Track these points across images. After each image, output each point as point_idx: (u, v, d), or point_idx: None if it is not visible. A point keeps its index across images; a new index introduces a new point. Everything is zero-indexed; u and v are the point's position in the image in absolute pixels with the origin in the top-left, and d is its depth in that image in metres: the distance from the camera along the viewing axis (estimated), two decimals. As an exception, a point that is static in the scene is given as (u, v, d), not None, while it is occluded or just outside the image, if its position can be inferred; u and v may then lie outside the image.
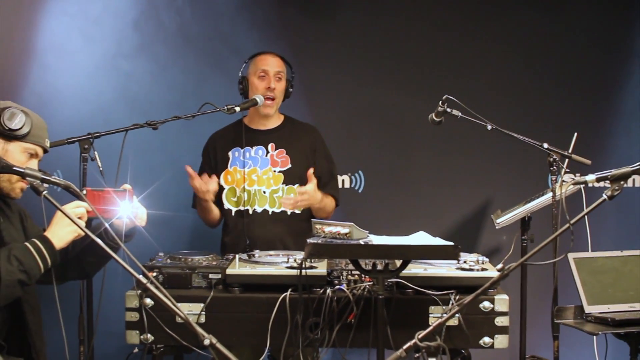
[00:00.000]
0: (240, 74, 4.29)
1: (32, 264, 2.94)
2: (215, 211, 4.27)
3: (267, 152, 4.28)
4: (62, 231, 3.03)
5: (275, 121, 4.35)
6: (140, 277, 2.75)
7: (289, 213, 4.23)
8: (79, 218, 3.02)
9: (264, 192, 4.24)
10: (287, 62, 4.33)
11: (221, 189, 4.27)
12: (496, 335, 3.34)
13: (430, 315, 3.33)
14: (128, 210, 3.19)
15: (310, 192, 4.05)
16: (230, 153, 4.29)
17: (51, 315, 4.74)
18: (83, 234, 2.96)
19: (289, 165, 4.27)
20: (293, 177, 4.25)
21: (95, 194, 3.15)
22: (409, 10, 5.03)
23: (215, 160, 4.32)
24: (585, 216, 3.02)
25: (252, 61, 4.29)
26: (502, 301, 3.35)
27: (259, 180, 4.25)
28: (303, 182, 4.19)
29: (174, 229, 4.84)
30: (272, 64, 4.26)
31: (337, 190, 4.40)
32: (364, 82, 5.01)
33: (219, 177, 4.27)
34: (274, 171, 4.26)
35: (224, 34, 4.94)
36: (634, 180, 5.09)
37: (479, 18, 5.02)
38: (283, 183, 4.24)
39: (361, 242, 3.25)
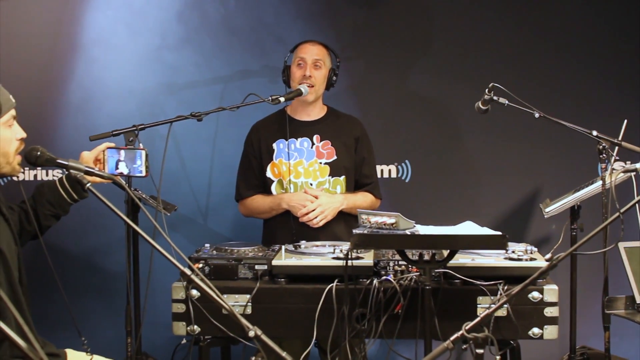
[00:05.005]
0: (284, 64, 4.27)
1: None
2: None
3: (313, 144, 4.24)
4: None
5: (319, 112, 4.31)
6: (185, 269, 2.75)
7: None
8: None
9: (311, 184, 4.20)
10: (330, 50, 4.28)
11: (270, 181, 4.25)
12: (545, 326, 3.29)
13: (478, 305, 3.30)
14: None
15: (322, 203, 4.06)
16: (274, 145, 4.25)
17: (98, 306, 4.80)
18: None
19: (335, 157, 4.22)
20: (339, 169, 4.21)
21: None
22: (454, -2, 4.99)
23: (259, 151, 4.26)
24: (636, 205, 2.95)
25: (294, 51, 4.27)
26: (551, 291, 3.30)
27: (306, 172, 4.21)
28: (348, 173, 4.19)
29: (219, 220, 4.85)
30: (310, 52, 4.20)
31: (377, 186, 4.34)
32: (410, 71, 4.96)
33: (264, 169, 4.26)
34: (320, 163, 4.22)
35: (268, 25, 4.92)
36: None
37: (525, 5, 4.95)
38: (329, 175, 4.20)
39: (408, 232, 3.23)
